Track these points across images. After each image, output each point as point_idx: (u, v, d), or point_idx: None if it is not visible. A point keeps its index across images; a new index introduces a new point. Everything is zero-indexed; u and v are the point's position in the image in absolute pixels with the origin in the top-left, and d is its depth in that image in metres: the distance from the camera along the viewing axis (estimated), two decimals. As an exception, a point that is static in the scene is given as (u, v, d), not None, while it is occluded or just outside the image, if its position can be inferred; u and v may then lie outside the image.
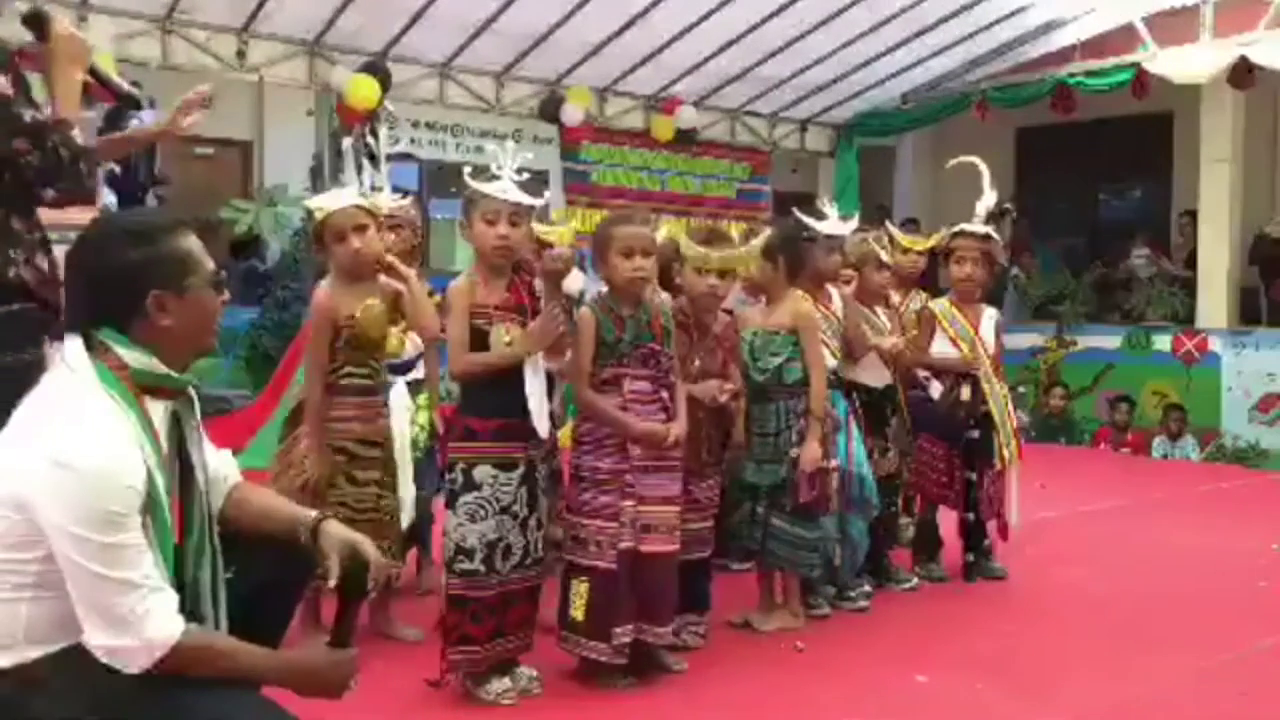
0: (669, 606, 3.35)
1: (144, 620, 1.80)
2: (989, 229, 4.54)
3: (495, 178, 3.14)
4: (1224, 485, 7.63)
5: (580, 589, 3.21)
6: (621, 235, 3.27)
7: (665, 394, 3.32)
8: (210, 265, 2.03)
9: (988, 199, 4.57)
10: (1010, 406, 4.63)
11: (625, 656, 3.24)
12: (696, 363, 3.56)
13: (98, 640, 1.80)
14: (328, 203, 3.49)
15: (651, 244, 3.33)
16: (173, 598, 1.86)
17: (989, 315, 4.65)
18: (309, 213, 3.63)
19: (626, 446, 3.22)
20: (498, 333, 3.12)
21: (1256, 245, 9.80)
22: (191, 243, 2.01)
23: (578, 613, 3.20)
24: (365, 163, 3.76)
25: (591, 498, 3.23)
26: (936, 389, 4.59)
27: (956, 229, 4.57)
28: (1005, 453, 4.51)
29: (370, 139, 3.72)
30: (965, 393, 4.50)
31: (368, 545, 2.13)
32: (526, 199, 3.15)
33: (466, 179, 3.17)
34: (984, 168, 4.66)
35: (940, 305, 4.60)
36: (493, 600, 3.10)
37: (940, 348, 4.54)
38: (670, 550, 3.29)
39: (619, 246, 3.26)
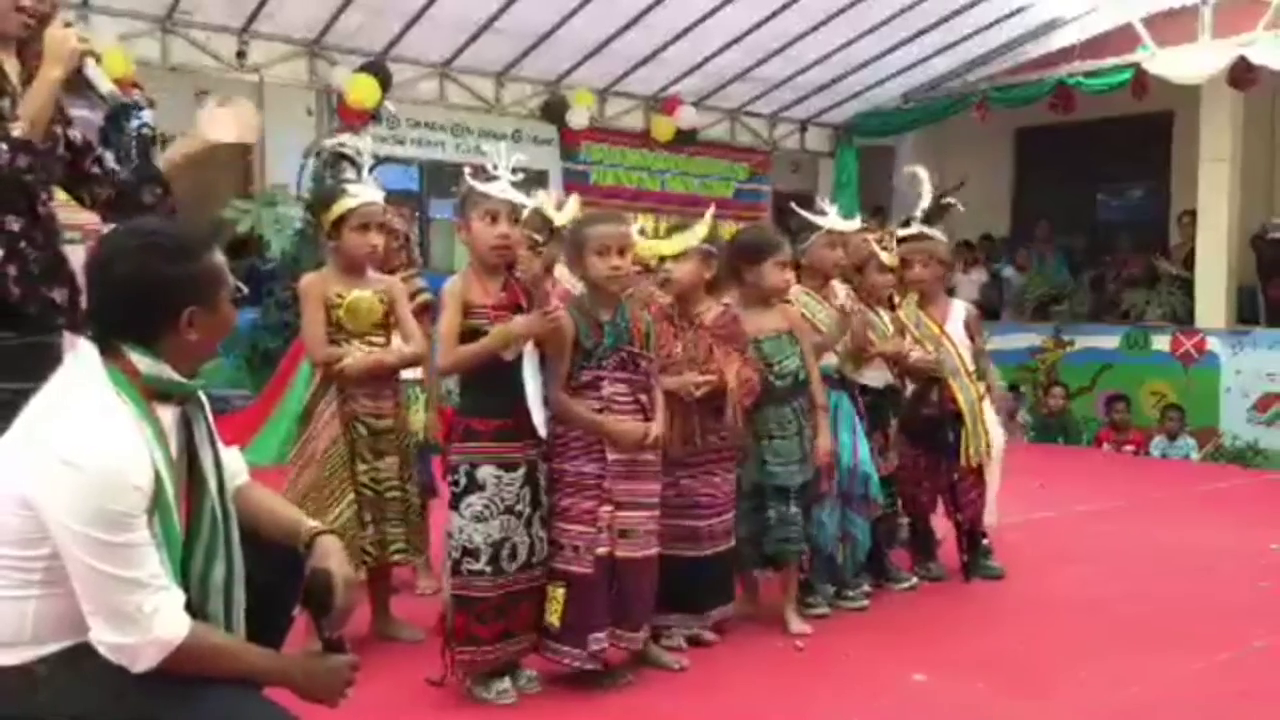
0: (644, 612, 3.33)
1: (151, 619, 1.81)
2: (921, 229, 4.55)
3: (493, 177, 3.15)
4: (1223, 485, 7.63)
5: (557, 594, 3.18)
6: (597, 234, 3.25)
7: (644, 397, 3.31)
8: (231, 279, 2.05)
9: (924, 201, 4.59)
10: (983, 402, 4.57)
11: (603, 663, 3.23)
12: (679, 348, 3.53)
13: (104, 638, 1.81)
14: (363, 192, 3.58)
15: (628, 242, 3.31)
16: (179, 596, 1.86)
17: (957, 312, 4.64)
18: (338, 194, 3.66)
19: (604, 451, 3.20)
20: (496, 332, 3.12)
21: (1255, 242, 9.81)
22: (220, 257, 2.03)
23: (554, 618, 3.17)
24: (347, 165, 3.78)
25: (569, 502, 3.20)
26: (908, 389, 4.58)
27: (906, 232, 4.57)
28: (970, 450, 4.48)
29: (350, 143, 3.73)
30: (934, 394, 4.50)
31: (338, 565, 2.13)
32: (525, 199, 3.17)
33: (466, 178, 3.18)
34: (924, 174, 4.67)
35: (906, 309, 4.59)
36: (499, 600, 3.10)
37: (915, 350, 4.53)
38: (647, 555, 3.27)
39: (594, 245, 3.23)
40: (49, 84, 2.59)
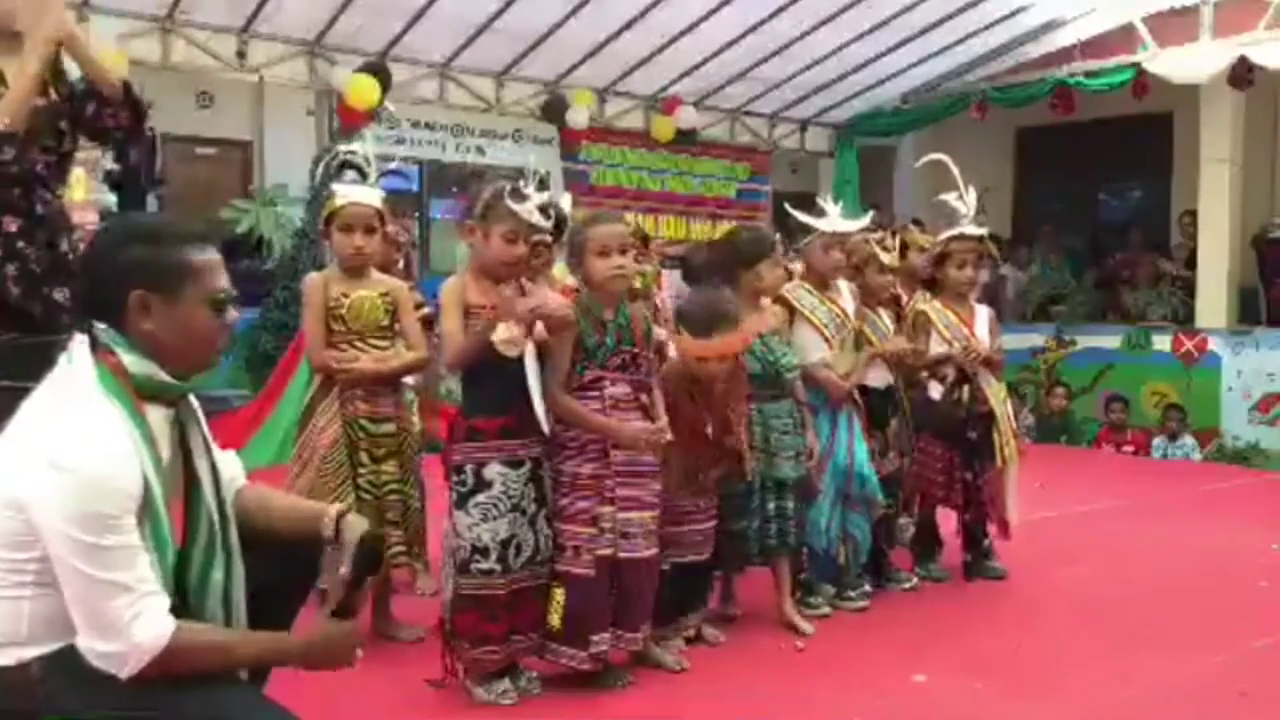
0: (644, 612, 3.32)
1: (132, 625, 1.80)
2: (985, 230, 4.57)
3: (525, 196, 3.14)
4: (1224, 485, 7.63)
5: (557, 595, 3.17)
6: (597, 235, 3.25)
7: (644, 397, 3.31)
8: (216, 284, 2.00)
9: (971, 199, 4.57)
10: (1008, 406, 4.63)
11: (603, 664, 3.23)
12: (709, 431, 3.49)
13: (88, 645, 1.81)
14: (351, 193, 3.58)
15: (629, 241, 3.32)
16: (164, 601, 1.85)
17: (982, 315, 4.65)
18: (328, 196, 3.69)
19: (605, 451, 3.19)
20: (498, 331, 3.12)
21: (1256, 243, 9.81)
22: (200, 256, 1.98)
23: (554, 619, 3.16)
24: (353, 171, 3.79)
25: (570, 503, 3.20)
26: (935, 390, 4.57)
27: (955, 232, 4.57)
28: (1006, 452, 4.51)
29: (360, 151, 3.74)
30: (965, 393, 4.50)
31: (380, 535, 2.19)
32: (548, 224, 3.22)
33: (507, 200, 3.15)
34: (953, 166, 4.67)
35: (931, 306, 4.59)
36: (507, 598, 3.11)
37: (935, 349, 4.54)
38: (649, 555, 3.26)
39: (595, 246, 3.23)
40: (27, 80, 2.59)
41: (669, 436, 3.28)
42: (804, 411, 3.92)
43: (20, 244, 2.63)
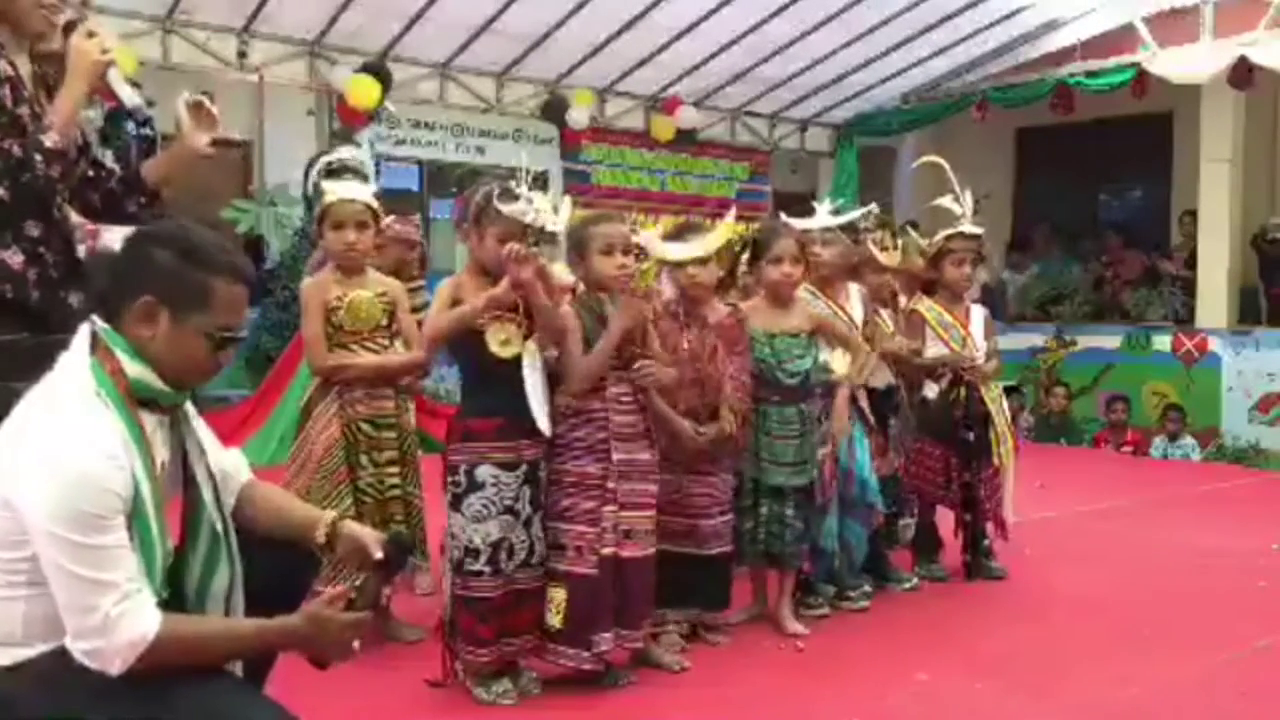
0: (644, 611, 3.33)
1: (117, 623, 1.79)
2: (981, 229, 4.57)
3: (515, 196, 3.14)
4: (1224, 485, 7.63)
5: (557, 596, 3.17)
6: (601, 233, 3.26)
7: (643, 397, 3.31)
8: (225, 321, 1.98)
9: (968, 198, 4.57)
10: (1004, 405, 4.63)
11: (604, 664, 3.23)
12: (686, 345, 3.52)
13: (74, 644, 1.81)
14: (341, 190, 3.56)
15: (632, 242, 3.32)
16: (148, 599, 1.85)
17: (977, 315, 4.65)
18: (319, 194, 3.68)
19: (609, 451, 3.19)
20: (494, 331, 3.12)
21: (1256, 243, 9.81)
22: (227, 290, 1.97)
23: (556, 620, 3.16)
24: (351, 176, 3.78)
25: (572, 503, 3.20)
26: (931, 389, 4.57)
27: (954, 230, 4.57)
28: (1001, 451, 4.51)
29: (357, 156, 3.73)
30: (962, 393, 4.50)
31: (374, 536, 2.17)
32: (542, 219, 3.19)
33: (492, 194, 3.16)
34: (949, 169, 4.66)
35: (927, 306, 4.59)
36: (500, 601, 3.11)
37: (931, 349, 4.54)
38: (647, 555, 3.27)
39: (599, 245, 3.23)
40: (76, 97, 2.61)
41: (673, 372, 3.33)
42: (840, 413, 3.89)
43: (41, 249, 2.65)
